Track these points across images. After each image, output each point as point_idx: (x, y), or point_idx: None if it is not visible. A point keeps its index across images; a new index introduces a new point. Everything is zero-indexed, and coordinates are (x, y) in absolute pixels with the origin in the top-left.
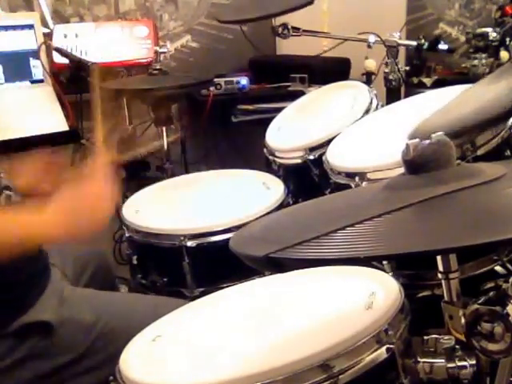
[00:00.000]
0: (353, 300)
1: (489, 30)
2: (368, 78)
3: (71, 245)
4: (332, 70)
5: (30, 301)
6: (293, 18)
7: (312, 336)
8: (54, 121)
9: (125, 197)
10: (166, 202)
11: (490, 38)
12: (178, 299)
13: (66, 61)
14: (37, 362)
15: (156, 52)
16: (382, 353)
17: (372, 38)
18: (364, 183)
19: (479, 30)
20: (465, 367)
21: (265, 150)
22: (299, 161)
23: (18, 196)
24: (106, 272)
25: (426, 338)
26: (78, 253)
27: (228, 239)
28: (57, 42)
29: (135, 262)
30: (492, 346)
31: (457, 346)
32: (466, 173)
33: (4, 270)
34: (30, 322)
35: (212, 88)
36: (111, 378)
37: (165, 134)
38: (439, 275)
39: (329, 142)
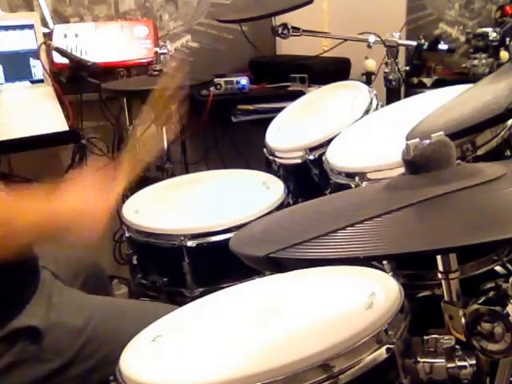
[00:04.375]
0: (353, 300)
1: (489, 30)
2: (368, 78)
3: (64, 249)
4: (332, 70)
5: (18, 305)
6: (293, 18)
7: (312, 336)
8: (54, 121)
9: (125, 197)
10: (166, 202)
11: (490, 37)
12: (171, 305)
13: (66, 61)
14: (26, 368)
15: (156, 53)
16: (381, 353)
17: (372, 38)
18: (364, 183)
19: (479, 30)
20: (465, 367)
21: (265, 150)
22: (299, 161)
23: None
24: (99, 279)
25: (426, 338)
26: (70, 258)
27: (228, 239)
28: (57, 41)
29: (135, 262)
30: (492, 346)
31: (457, 346)
32: (466, 173)
33: None
34: (19, 327)
35: (212, 88)
36: (111, 377)
37: (165, 134)
38: (439, 275)
39: (329, 141)
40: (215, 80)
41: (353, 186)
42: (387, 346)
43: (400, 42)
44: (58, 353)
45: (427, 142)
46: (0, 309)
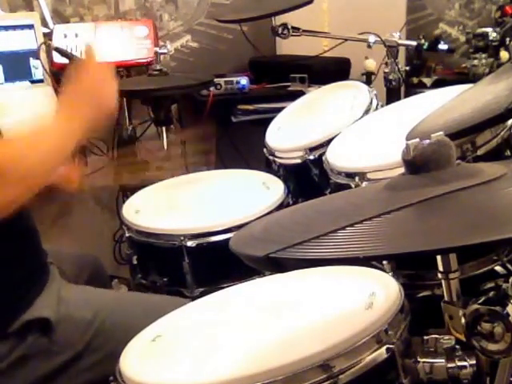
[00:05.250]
0: (353, 300)
1: (489, 30)
2: (368, 78)
3: (69, 246)
4: (332, 70)
5: (30, 299)
6: (293, 18)
7: (312, 336)
8: None
9: (125, 197)
10: (166, 202)
11: (490, 37)
12: (178, 298)
13: (66, 61)
14: (37, 361)
15: (156, 53)
16: (381, 353)
17: (372, 38)
18: (364, 183)
19: (479, 30)
20: (465, 367)
21: (265, 150)
22: (299, 161)
23: None
24: (102, 277)
25: (426, 338)
26: (74, 255)
27: (228, 239)
28: (57, 41)
29: (135, 262)
30: (492, 346)
31: (457, 346)
32: (466, 173)
33: (4, 268)
34: (30, 319)
35: (212, 88)
36: (111, 377)
37: (165, 134)
38: (439, 275)
39: (329, 141)
40: (215, 80)
41: (353, 186)
42: (387, 346)
43: (400, 42)
44: (67, 346)
45: (427, 141)
46: (12, 302)
